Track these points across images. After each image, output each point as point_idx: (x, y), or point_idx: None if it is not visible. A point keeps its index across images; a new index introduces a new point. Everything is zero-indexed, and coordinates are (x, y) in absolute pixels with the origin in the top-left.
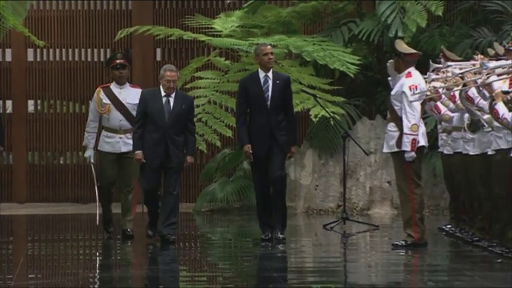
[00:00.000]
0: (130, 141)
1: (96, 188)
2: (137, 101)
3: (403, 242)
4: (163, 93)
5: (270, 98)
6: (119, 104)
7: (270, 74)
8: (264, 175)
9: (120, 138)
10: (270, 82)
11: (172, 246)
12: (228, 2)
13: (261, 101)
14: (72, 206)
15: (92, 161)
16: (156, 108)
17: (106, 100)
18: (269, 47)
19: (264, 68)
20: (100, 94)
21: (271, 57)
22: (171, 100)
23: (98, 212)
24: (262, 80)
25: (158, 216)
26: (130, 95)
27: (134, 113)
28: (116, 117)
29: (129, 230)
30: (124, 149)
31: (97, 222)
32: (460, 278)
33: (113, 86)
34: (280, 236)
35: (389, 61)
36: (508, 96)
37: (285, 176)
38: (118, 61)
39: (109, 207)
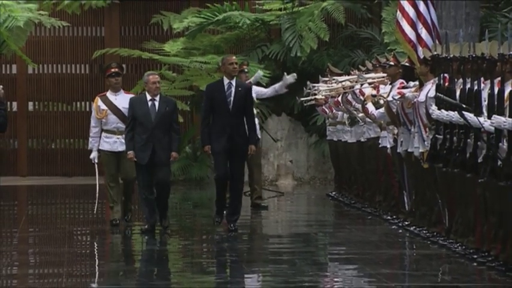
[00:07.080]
0: None
1: (97, 185)
2: None
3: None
4: (148, 98)
5: (232, 102)
6: (115, 109)
7: (234, 82)
8: (224, 169)
9: (118, 138)
10: (233, 89)
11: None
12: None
13: (224, 105)
14: (61, 178)
15: (96, 161)
16: (143, 111)
17: (103, 106)
18: (234, 57)
19: (228, 76)
20: (98, 102)
21: (235, 66)
22: (156, 103)
23: (96, 203)
24: (226, 86)
25: (153, 207)
26: (125, 101)
27: None
28: (113, 121)
29: (128, 217)
30: (121, 148)
31: (94, 211)
32: (341, 230)
33: (109, 94)
34: (233, 227)
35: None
36: (376, 99)
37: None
38: (113, 70)
39: (122, 200)
